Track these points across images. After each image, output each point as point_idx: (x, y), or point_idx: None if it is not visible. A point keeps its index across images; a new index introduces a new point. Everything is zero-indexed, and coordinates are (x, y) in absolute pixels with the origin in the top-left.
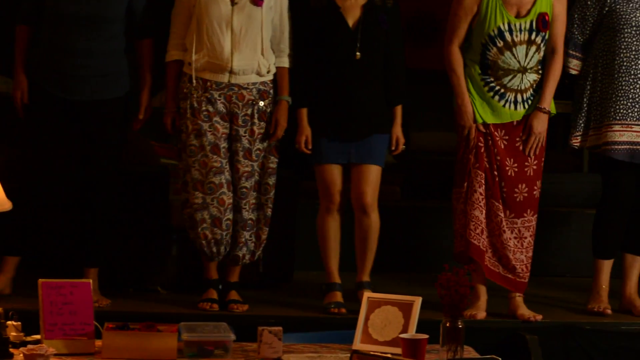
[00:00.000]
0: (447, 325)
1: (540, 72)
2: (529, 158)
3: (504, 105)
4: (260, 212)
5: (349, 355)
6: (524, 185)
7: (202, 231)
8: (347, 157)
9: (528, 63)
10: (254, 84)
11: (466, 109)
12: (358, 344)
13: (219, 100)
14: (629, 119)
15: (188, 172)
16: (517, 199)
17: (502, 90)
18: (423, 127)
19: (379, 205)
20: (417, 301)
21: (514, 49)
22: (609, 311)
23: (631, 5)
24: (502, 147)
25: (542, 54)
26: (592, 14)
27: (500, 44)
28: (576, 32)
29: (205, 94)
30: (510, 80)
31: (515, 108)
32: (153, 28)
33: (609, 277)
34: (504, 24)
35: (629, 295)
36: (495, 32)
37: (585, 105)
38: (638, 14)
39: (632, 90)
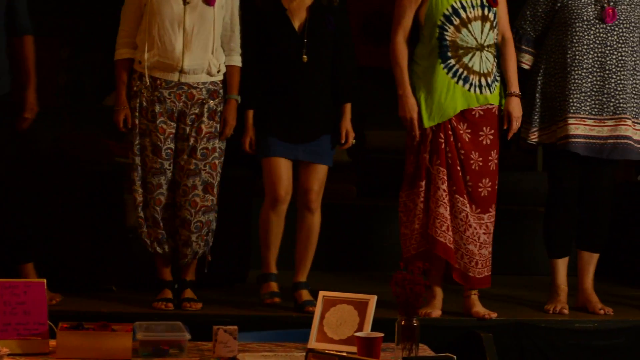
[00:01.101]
0: (402, 323)
1: (496, 56)
2: (492, 152)
3: (469, 90)
4: (207, 212)
5: (304, 354)
6: (487, 180)
7: (145, 230)
8: (295, 154)
9: (485, 40)
10: (203, 83)
11: (407, 100)
12: (313, 343)
13: (169, 99)
14: (582, 113)
15: (133, 170)
16: (482, 194)
17: (466, 73)
18: (379, 126)
19: (334, 205)
20: (373, 300)
21: (469, 26)
22: (565, 311)
23: (583, 1)
24: (467, 140)
25: (495, 32)
26: (544, 10)
27: (457, 21)
28: (528, 28)
29: (155, 93)
30: (470, 59)
31: (481, 92)
32: (32, 25)
33: (566, 275)
34: (456, 2)
35: (586, 292)
36: (450, 10)
37: (538, 100)
38: (589, 9)
39: (584, 84)
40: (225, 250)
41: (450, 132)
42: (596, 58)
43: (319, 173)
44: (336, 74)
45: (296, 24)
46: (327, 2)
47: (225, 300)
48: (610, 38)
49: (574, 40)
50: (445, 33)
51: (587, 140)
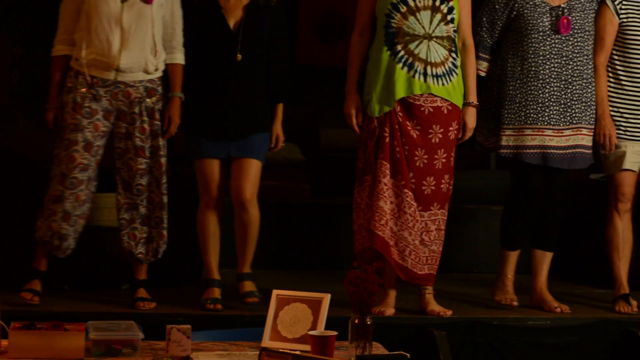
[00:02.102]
0: (356, 322)
1: (453, 52)
2: (438, 151)
3: (413, 76)
4: (163, 209)
5: (257, 352)
6: (432, 178)
7: (50, 223)
8: (227, 151)
9: (433, 31)
10: (140, 81)
11: (348, 96)
12: (267, 342)
13: (104, 97)
14: (539, 123)
15: (56, 165)
16: (425, 192)
17: (411, 60)
18: (333, 124)
19: (288, 203)
20: (326, 298)
21: (417, 14)
22: (515, 303)
23: (538, 10)
24: (414, 136)
25: (451, 27)
26: (501, 17)
27: (404, 9)
28: (485, 35)
29: (91, 91)
30: (417, 46)
31: (425, 80)
32: None
33: (514, 268)
34: None
35: (540, 290)
36: None
37: (493, 107)
38: (545, 19)
39: (541, 95)
40: (177, 249)
41: (396, 127)
42: (553, 69)
43: (251, 169)
44: (270, 74)
45: (231, 23)
46: (264, 2)
47: (179, 300)
48: (565, 48)
49: (531, 51)
50: (392, 20)
51: (545, 151)
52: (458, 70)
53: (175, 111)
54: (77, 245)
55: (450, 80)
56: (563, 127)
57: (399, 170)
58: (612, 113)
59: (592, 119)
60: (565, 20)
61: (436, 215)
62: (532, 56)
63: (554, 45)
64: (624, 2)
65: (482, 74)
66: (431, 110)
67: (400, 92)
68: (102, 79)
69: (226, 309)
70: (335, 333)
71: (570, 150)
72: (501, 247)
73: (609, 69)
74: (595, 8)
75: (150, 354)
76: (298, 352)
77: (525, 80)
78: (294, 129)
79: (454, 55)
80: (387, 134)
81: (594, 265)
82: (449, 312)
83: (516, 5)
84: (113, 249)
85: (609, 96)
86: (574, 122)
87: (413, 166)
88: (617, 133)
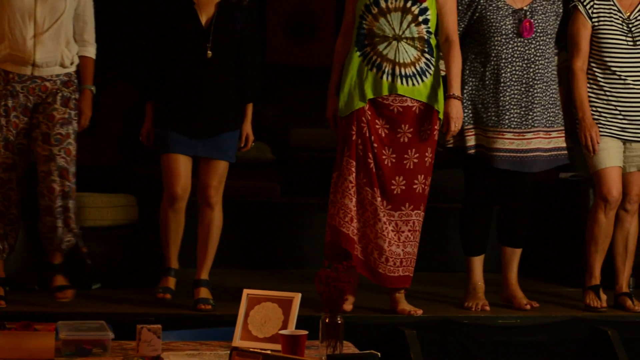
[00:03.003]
0: (327, 321)
1: (426, 52)
2: (409, 151)
3: (381, 77)
4: (66, 197)
5: (228, 352)
6: (401, 178)
7: None
8: (194, 150)
9: (403, 32)
10: (57, 75)
11: (328, 100)
12: (238, 341)
13: (22, 93)
14: (500, 127)
15: None
16: (394, 191)
17: (379, 60)
18: (303, 123)
19: (258, 202)
20: (297, 297)
21: (388, 16)
22: (487, 307)
23: (501, 13)
24: (383, 135)
25: (423, 27)
26: (463, 19)
27: (375, 10)
28: None
29: (7, 87)
30: (385, 47)
31: (393, 81)
32: None
33: (481, 272)
34: None
35: (510, 286)
36: (371, 0)
37: None
38: (507, 22)
39: (501, 98)
40: (148, 249)
41: (363, 125)
42: (514, 72)
43: (219, 169)
44: (240, 73)
45: (203, 19)
46: (236, 0)
47: (149, 299)
48: (528, 51)
49: (493, 54)
50: (364, 22)
51: (507, 154)
52: (433, 71)
53: (87, 104)
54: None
55: (422, 80)
56: (524, 130)
57: (363, 168)
58: (593, 114)
59: (550, 121)
60: (527, 24)
61: (409, 216)
62: (495, 59)
63: (516, 48)
64: (596, 5)
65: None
66: (400, 109)
67: (368, 93)
68: (19, 74)
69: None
70: (305, 332)
71: (531, 154)
72: (465, 254)
73: (588, 71)
74: (557, 12)
75: (121, 353)
76: (269, 352)
77: (486, 82)
78: (264, 128)
79: (427, 56)
80: (353, 132)
81: (564, 264)
82: (420, 311)
83: (479, 7)
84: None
85: (589, 98)
86: (535, 125)
87: (382, 165)
88: (600, 131)
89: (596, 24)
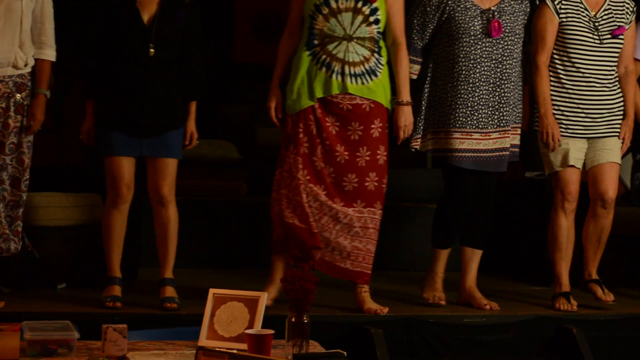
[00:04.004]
0: (293, 320)
1: (376, 52)
2: (360, 148)
3: (330, 76)
4: (16, 207)
5: (194, 351)
6: (354, 175)
7: None
8: (138, 150)
9: (354, 32)
10: (10, 76)
11: (272, 91)
12: (204, 341)
13: None
14: (468, 127)
15: None
16: (346, 188)
17: (329, 60)
18: (270, 123)
19: (224, 202)
20: (263, 297)
21: (339, 16)
22: (443, 302)
23: (469, 14)
24: (334, 133)
25: (374, 28)
26: (432, 20)
27: (326, 11)
28: (416, 38)
29: None
30: (335, 47)
31: (343, 80)
32: None
33: (444, 265)
34: None
35: (469, 287)
36: (321, 0)
37: (424, 108)
38: (476, 22)
39: (470, 99)
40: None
41: (311, 123)
42: (483, 72)
43: (168, 167)
44: (183, 71)
45: (145, 17)
46: None
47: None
48: (496, 52)
49: (462, 55)
50: (314, 22)
51: (473, 155)
52: (383, 70)
53: (39, 109)
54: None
55: (372, 79)
56: (491, 130)
57: (308, 165)
58: (554, 111)
59: (518, 119)
60: (496, 24)
61: (362, 213)
62: (463, 59)
63: (484, 48)
64: (564, 2)
65: (413, 76)
66: (350, 107)
67: (318, 92)
68: None
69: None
70: (272, 332)
71: (497, 154)
72: (432, 246)
73: (550, 69)
74: (525, 10)
75: (86, 353)
76: (235, 351)
77: (455, 83)
78: (230, 127)
79: (377, 55)
80: (301, 131)
81: (530, 263)
82: (386, 310)
83: (447, 8)
84: (48, 248)
85: (551, 95)
86: (502, 124)
87: (334, 162)
88: (560, 130)
89: (564, 20)
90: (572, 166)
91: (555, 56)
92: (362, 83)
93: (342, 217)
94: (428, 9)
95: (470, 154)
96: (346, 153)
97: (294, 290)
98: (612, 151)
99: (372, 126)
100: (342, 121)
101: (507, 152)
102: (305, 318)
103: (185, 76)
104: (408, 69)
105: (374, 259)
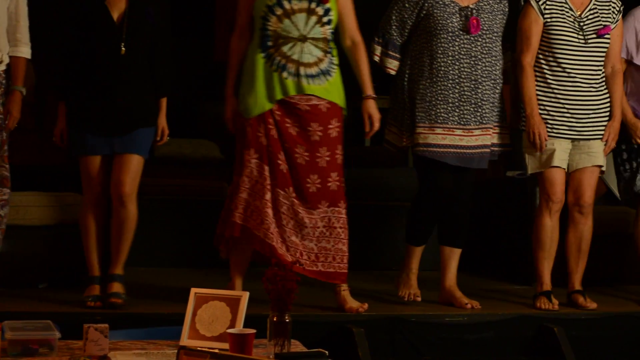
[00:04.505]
0: (274, 319)
1: (329, 52)
2: (320, 149)
3: (286, 78)
4: (4, 206)
5: (176, 351)
6: (316, 176)
7: None
8: (111, 148)
9: (309, 32)
10: None
11: (229, 101)
12: (185, 340)
13: None
14: (449, 123)
15: None
16: (310, 189)
17: (284, 62)
18: None
19: (206, 201)
20: (245, 296)
21: (293, 17)
22: (418, 298)
23: (448, 10)
24: (293, 134)
25: (327, 28)
26: (410, 16)
27: (279, 12)
28: (395, 34)
29: None
30: (290, 48)
31: (299, 81)
32: None
33: (418, 262)
34: None
35: (449, 286)
36: (274, 1)
37: (403, 105)
38: (454, 19)
39: (451, 95)
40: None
41: (271, 126)
42: (462, 69)
43: (132, 164)
44: (154, 68)
45: (115, 15)
46: None
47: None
48: (474, 49)
49: (440, 51)
50: (267, 23)
51: (456, 151)
52: (336, 70)
53: (15, 106)
54: None
55: (327, 79)
56: (473, 127)
57: (273, 169)
58: (540, 111)
59: (496, 119)
60: (474, 21)
61: (326, 214)
62: (442, 56)
63: (463, 45)
64: (548, 2)
65: (392, 72)
66: (308, 108)
67: (277, 94)
68: None
69: (145, 307)
70: (253, 331)
71: (479, 150)
72: (406, 243)
73: (536, 69)
74: (504, 10)
75: (68, 353)
76: (216, 351)
77: (435, 79)
78: (212, 126)
79: (330, 56)
80: (261, 134)
81: (511, 262)
82: (366, 305)
83: (426, 4)
84: (29, 247)
85: (537, 95)
86: (484, 122)
87: (295, 163)
88: (546, 131)
89: (548, 20)
90: (557, 167)
91: (541, 56)
92: (318, 84)
93: (307, 220)
94: (407, 5)
95: (452, 150)
96: (306, 154)
97: (275, 290)
98: (597, 154)
99: (330, 126)
100: (302, 122)
101: (489, 150)
102: (287, 317)
103: (156, 73)
104: (369, 65)
105: (355, 258)
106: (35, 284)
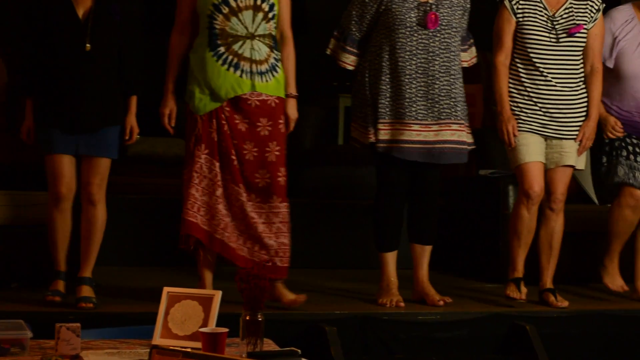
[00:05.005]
0: (247, 318)
1: (274, 48)
2: (270, 144)
3: (240, 76)
4: None
5: (148, 350)
6: (265, 171)
7: None
8: (76, 148)
9: (256, 29)
10: None
11: (168, 97)
12: (158, 339)
13: None
14: (406, 118)
15: None
16: (259, 184)
17: (236, 60)
18: None
19: (181, 199)
20: (217, 295)
21: (240, 14)
22: (401, 304)
23: (406, 5)
24: (243, 130)
25: (272, 24)
26: (370, 11)
27: (226, 10)
28: (354, 29)
29: None
30: (240, 46)
31: (252, 79)
32: None
33: (395, 268)
34: None
35: (421, 284)
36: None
37: (365, 101)
38: (412, 14)
39: (407, 90)
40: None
41: (223, 122)
42: (419, 64)
43: (100, 166)
44: (121, 65)
45: (80, 12)
46: None
47: (69, 298)
48: (432, 44)
49: (398, 46)
50: (214, 22)
51: (414, 146)
52: (280, 65)
53: None
54: None
55: (274, 75)
56: (431, 122)
57: (226, 165)
58: (513, 109)
59: (463, 115)
60: (433, 16)
61: (278, 208)
62: (399, 51)
63: (420, 40)
64: (521, 2)
65: (350, 67)
66: (258, 104)
67: (230, 92)
68: None
69: (117, 306)
70: (226, 330)
71: (439, 145)
72: (378, 252)
73: (511, 68)
74: (465, 6)
75: (39, 352)
76: (189, 349)
77: (393, 75)
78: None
79: (275, 51)
80: (213, 130)
81: (484, 260)
82: (304, 297)
83: (384, 0)
84: (1, 247)
85: (510, 93)
86: (442, 117)
87: (244, 159)
88: (519, 125)
89: (521, 19)
90: (535, 161)
91: (516, 55)
92: (267, 80)
93: (255, 215)
94: (367, 0)
95: (409, 145)
96: (255, 150)
97: (248, 289)
98: (569, 154)
99: (280, 121)
100: (251, 118)
101: (450, 146)
102: (259, 316)
103: (123, 70)
104: (295, 62)
105: (325, 256)
106: (7, 284)
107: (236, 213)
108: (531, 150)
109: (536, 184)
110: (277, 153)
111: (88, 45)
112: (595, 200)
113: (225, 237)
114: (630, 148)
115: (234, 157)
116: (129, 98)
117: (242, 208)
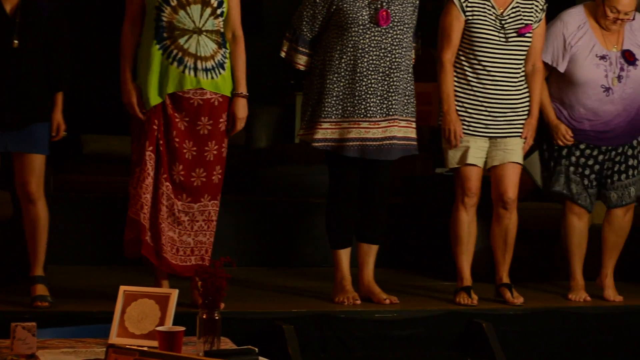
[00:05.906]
0: (204, 317)
1: (222, 45)
2: (209, 143)
3: (183, 71)
4: None
5: (104, 349)
6: (202, 170)
7: None
8: (4, 145)
9: (203, 25)
10: None
11: (128, 86)
12: (114, 338)
13: None
14: (356, 116)
15: None
16: (195, 183)
17: (180, 55)
18: None
19: None
20: (174, 294)
21: (187, 8)
22: (358, 301)
23: (357, 4)
24: (182, 128)
25: (219, 21)
26: (321, 12)
27: (174, 3)
28: (305, 29)
29: None
30: (186, 41)
31: (195, 75)
32: None
33: (348, 265)
34: None
35: (367, 283)
36: None
37: (312, 100)
38: (364, 12)
39: (358, 88)
40: (23, 246)
41: (163, 119)
42: (371, 61)
43: (34, 163)
44: (49, 62)
45: (7, 7)
46: None
47: (23, 297)
48: (385, 41)
49: (350, 45)
50: (162, 14)
51: (360, 144)
52: (227, 63)
53: None
54: None
55: (220, 73)
56: (379, 119)
57: (161, 163)
58: (458, 108)
59: (412, 111)
60: (384, 13)
61: (206, 207)
62: (352, 49)
63: (373, 37)
64: (470, 0)
65: (302, 67)
66: (200, 102)
67: (170, 87)
68: None
69: (73, 305)
70: (182, 329)
71: (387, 142)
72: (331, 249)
73: (456, 66)
74: (415, 3)
75: None
76: (145, 348)
77: (344, 73)
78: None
79: (223, 49)
80: (155, 126)
81: (440, 258)
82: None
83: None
84: None
85: (456, 92)
86: (390, 113)
87: (182, 158)
88: (464, 128)
89: (470, 18)
90: (472, 164)
91: (462, 54)
92: (212, 77)
93: (184, 214)
94: (318, 0)
95: (357, 143)
96: (194, 149)
97: (205, 287)
98: (513, 151)
99: (220, 120)
100: (191, 116)
101: (399, 142)
102: (216, 315)
103: (51, 67)
104: (245, 62)
105: (285, 255)
106: None
107: (163, 211)
108: (472, 153)
109: (474, 186)
110: (215, 152)
111: (16, 41)
112: (540, 185)
113: (167, 253)
114: (574, 159)
115: (168, 155)
116: (55, 94)
117: (172, 207)
